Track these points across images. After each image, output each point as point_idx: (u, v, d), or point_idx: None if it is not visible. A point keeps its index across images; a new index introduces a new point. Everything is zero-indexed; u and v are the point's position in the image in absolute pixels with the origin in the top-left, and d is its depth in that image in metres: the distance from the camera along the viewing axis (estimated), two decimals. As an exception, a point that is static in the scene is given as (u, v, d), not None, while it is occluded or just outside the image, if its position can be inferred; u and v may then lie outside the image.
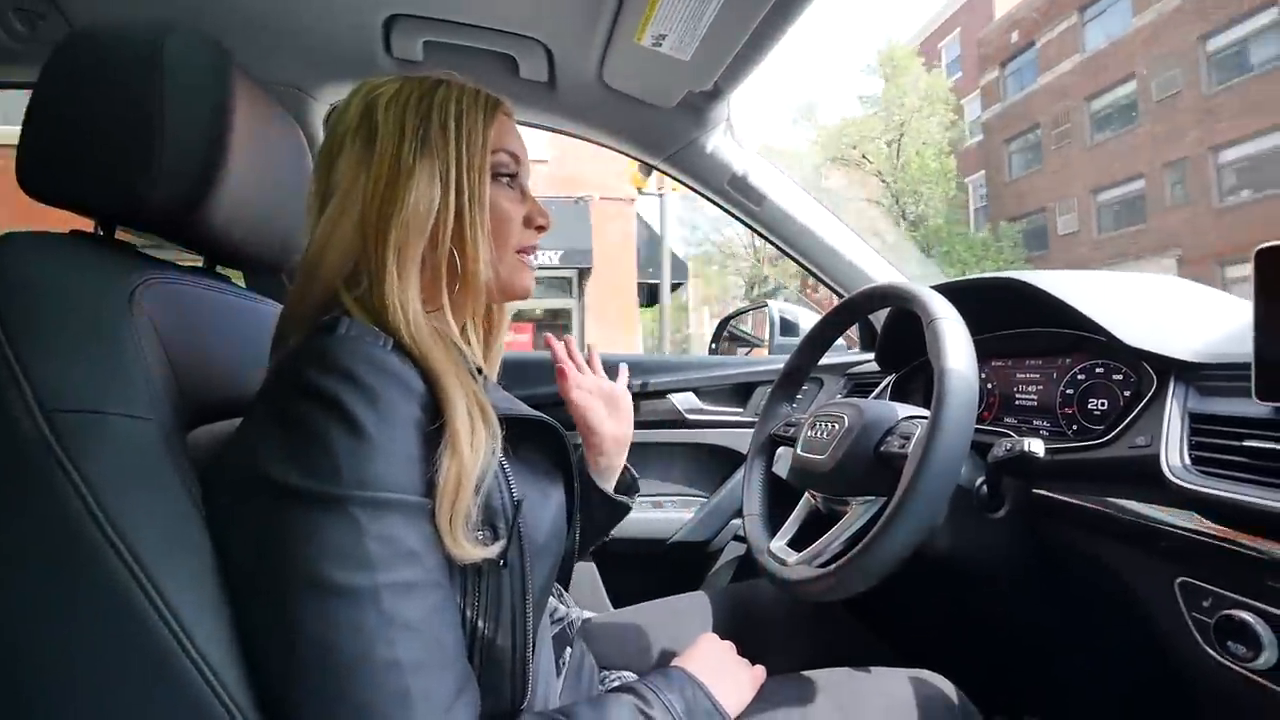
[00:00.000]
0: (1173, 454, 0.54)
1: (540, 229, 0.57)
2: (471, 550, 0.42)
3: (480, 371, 0.52)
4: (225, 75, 0.53)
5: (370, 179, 0.48)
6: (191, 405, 0.48)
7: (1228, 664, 0.47)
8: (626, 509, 0.72)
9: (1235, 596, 0.47)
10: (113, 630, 0.38)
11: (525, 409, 0.53)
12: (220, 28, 0.90)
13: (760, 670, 0.62)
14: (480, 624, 0.45)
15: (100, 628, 0.38)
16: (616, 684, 0.62)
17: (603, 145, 1.14)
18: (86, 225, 0.52)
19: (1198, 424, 0.54)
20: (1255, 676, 0.45)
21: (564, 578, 0.70)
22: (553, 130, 1.13)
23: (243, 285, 0.68)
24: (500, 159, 0.53)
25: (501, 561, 0.45)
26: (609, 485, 0.71)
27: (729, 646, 0.62)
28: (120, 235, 0.54)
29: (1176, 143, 12.13)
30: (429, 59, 0.95)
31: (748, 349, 1.66)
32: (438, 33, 0.91)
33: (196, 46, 0.51)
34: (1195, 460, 0.53)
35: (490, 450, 0.45)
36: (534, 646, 0.48)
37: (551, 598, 0.64)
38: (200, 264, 0.63)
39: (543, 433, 0.54)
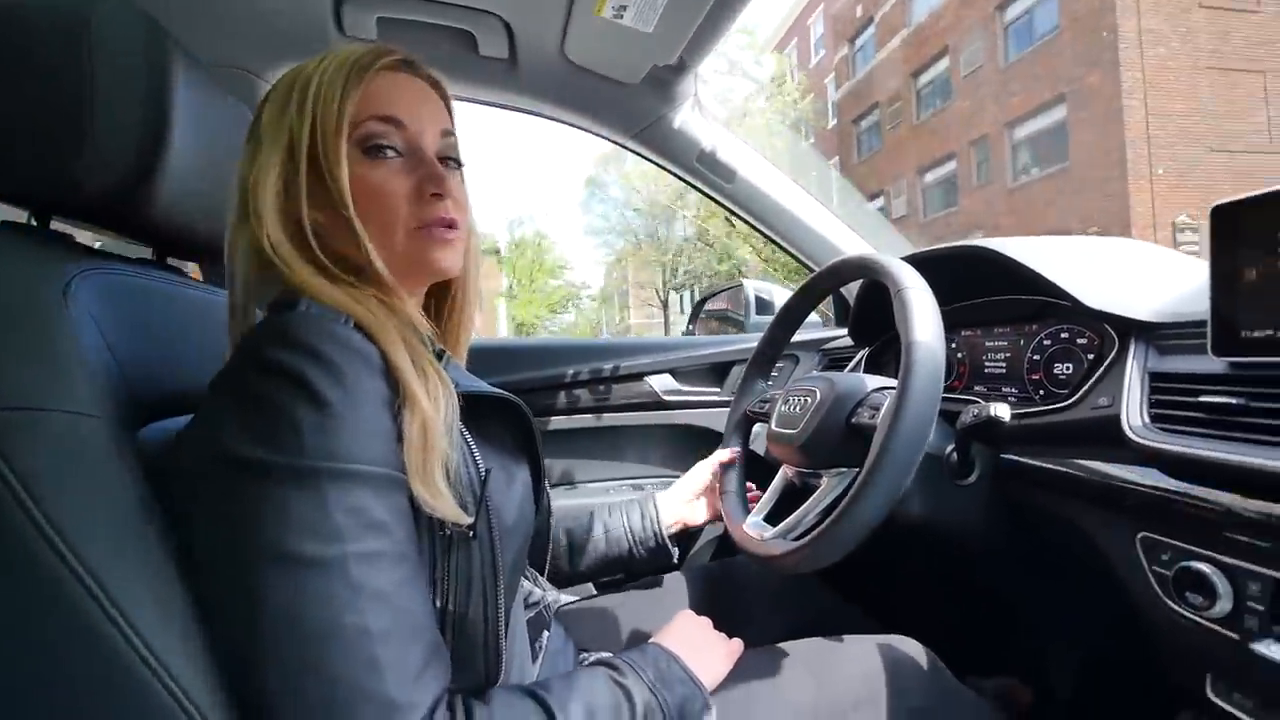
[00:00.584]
0: (1133, 413, 0.55)
1: (436, 196, 0.50)
2: (451, 506, 0.42)
3: (442, 353, 0.50)
4: (161, 52, 0.50)
5: (250, 170, 0.48)
6: (141, 400, 0.46)
7: (1186, 614, 0.49)
8: (671, 561, 0.80)
9: (1193, 549, 0.48)
10: (57, 631, 0.36)
11: (487, 387, 0.52)
12: (160, 6, 0.86)
13: (737, 643, 0.62)
14: (451, 598, 0.45)
15: (44, 628, 0.36)
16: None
17: (568, 124, 1.12)
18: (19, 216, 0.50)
19: (1157, 382, 0.55)
20: (1212, 625, 0.47)
21: (538, 561, 0.70)
22: (515, 109, 1.10)
23: (199, 277, 0.65)
24: (370, 129, 0.48)
25: (471, 533, 0.45)
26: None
27: (705, 622, 0.63)
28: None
29: (980, 119, 11.98)
30: (383, 36, 0.92)
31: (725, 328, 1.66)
32: (391, 8, 0.88)
33: (127, 20, 0.48)
34: (1154, 418, 0.54)
35: (449, 405, 0.45)
36: (505, 624, 0.47)
37: (526, 581, 0.64)
38: (149, 256, 0.60)
39: (506, 411, 0.53)
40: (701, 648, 0.58)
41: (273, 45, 0.93)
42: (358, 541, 0.38)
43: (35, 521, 0.36)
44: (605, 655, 0.60)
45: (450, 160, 0.53)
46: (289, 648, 0.36)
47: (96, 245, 0.54)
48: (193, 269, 0.87)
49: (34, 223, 0.50)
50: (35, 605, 0.36)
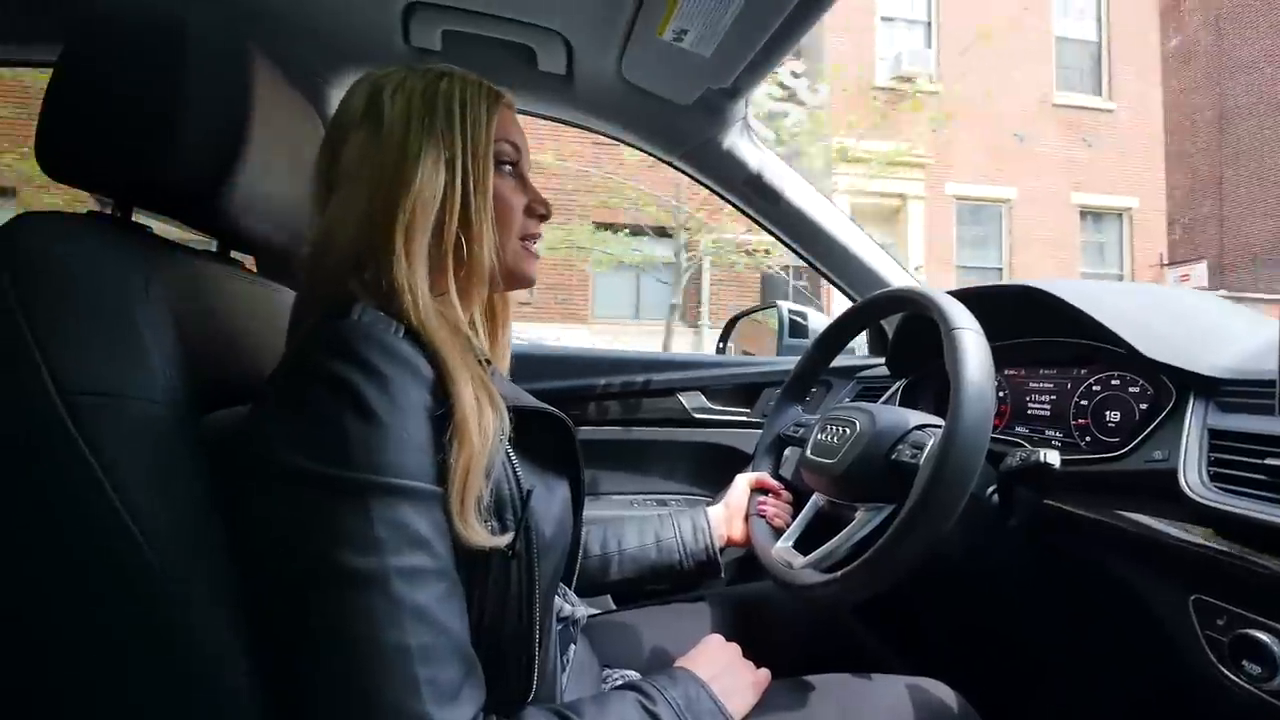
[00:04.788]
0: (1191, 469, 0.53)
1: (542, 218, 0.58)
2: (483, 535, 0.43)
3: (489, 363, 0.52)
4: (245, 59, 0.53)
5: (377, 165, 0.49)
6: (207, 389, 0.48)
7: (1242, 684, 0.47)
8: (719, 576, 0.79)
9: (1251, 615, 0.47)
10: (122, 608, 0.38)
11: (532, 400, 0.53)
12: (240, 13, 0.90)
13: (765, 673, 0.62)
14: (487, 615, 0.45)
15: (110, 605, 0.38)
16: (620, 682, 0.62)
17: (617, 139, 1.14)
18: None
19: (1217, 440, 0.54)
20: (1269, 698, 0.45)
21: (568, 575, 0.70)
22: (568, 123, 1.12)
23: (254, 270, 0.68)
24: (502, 148, 0.54)
25: (510, 552, 0.45)
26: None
27: (734, 649, 0.62)
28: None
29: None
30: (447, 49, 0.95)
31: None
32: (456, 22, 0.91)
33: (218, 29, 0.50)
34: (1214, 477, 0.52)
35: (498, 436, 0.45)
36: (540, 639, 0.48)
37: (556, 596, 0.64)
38: (214, 248, 0.63)
39: (550, 425, 0.53)
40: (730, 676, 0.57)
41: (343, 53, 0.97)
42: (399, 556, 0.38)
43: (110, 498, 0.38)
44: (634, 678, 0.59)
45: None
46: (329, 661, 0.37)
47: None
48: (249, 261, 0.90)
49: (117, 214, 0.52)
50: (102, 572, 0.38)
